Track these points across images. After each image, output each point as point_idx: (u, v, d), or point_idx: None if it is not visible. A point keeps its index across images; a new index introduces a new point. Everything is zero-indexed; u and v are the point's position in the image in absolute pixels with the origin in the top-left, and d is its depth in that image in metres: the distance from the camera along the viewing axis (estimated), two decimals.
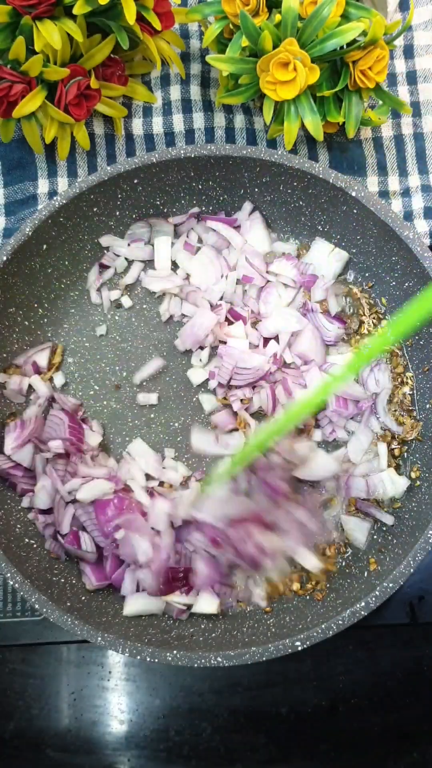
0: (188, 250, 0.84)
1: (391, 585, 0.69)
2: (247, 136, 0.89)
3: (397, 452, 0.80)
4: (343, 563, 0.78)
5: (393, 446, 0.80)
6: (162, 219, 0.84)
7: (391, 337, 0.55)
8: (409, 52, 0.89)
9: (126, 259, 0.85)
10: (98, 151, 0.89)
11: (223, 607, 0.77)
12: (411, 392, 0.81)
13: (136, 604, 0.75)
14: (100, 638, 0.69)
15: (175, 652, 0.68)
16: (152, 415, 0.83)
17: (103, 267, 0.85)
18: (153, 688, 0.85)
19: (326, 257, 0.83)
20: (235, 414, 0.81)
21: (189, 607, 0.76)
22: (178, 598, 0.75)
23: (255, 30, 0.74)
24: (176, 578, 0.74)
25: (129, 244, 0.84)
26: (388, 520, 0.78)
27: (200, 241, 0.86)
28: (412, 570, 0.69)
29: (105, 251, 0.85)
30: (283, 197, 0.81)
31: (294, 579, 0.78)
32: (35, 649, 0.85)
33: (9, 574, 0.70)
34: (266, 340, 0.82)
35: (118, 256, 0.85)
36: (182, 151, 0.77)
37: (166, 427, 0.83)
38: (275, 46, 0.75)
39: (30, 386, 0.82)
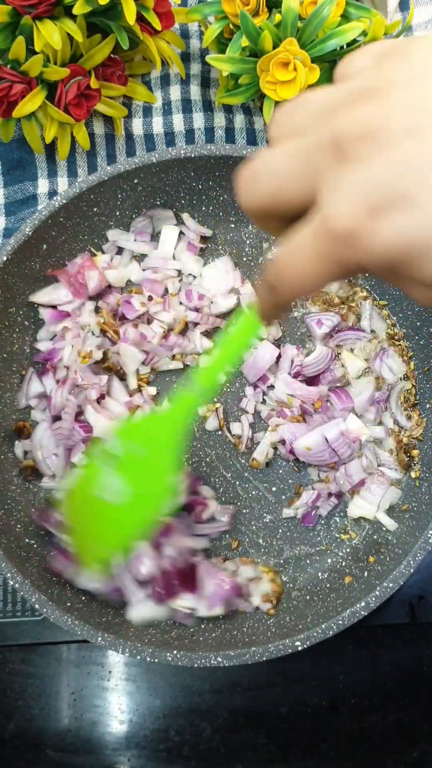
0: (191, 251, 0.84)
1: (391, 585, 0.69)
2: (247, 136, 0.89)
3: (407, 460, 0.80)
4: (344, 563, 0.79)
5: (404, 444, 0.80)
6: (160, 208, 0.84)
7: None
8: None
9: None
10: (98, 151, 0.89)
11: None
12: (414, 387, 0.81)
13: (141, 612, 0.74)
14: (100, 638, 0.69)
15: (175, 652, 0.68)
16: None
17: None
18: (153, 688, 0.85)
19: None
20: None
21: (194, 610, 0.75)
22: (184, 602, 0.74)
23: (255, 30, 0.74)
24: (175, 579, 0.74)
25: (135, 239, 0.84)
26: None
27: (203, 240, 0.85)
28: (412, 570, 0.69)
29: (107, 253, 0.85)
30: None
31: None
32: (35, 649, 0.85)
33: (9, 574, 0.70)
34: None
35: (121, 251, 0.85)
36: (182, 151, 0.77)
37: None
38: (275, 46, 0.75)
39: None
